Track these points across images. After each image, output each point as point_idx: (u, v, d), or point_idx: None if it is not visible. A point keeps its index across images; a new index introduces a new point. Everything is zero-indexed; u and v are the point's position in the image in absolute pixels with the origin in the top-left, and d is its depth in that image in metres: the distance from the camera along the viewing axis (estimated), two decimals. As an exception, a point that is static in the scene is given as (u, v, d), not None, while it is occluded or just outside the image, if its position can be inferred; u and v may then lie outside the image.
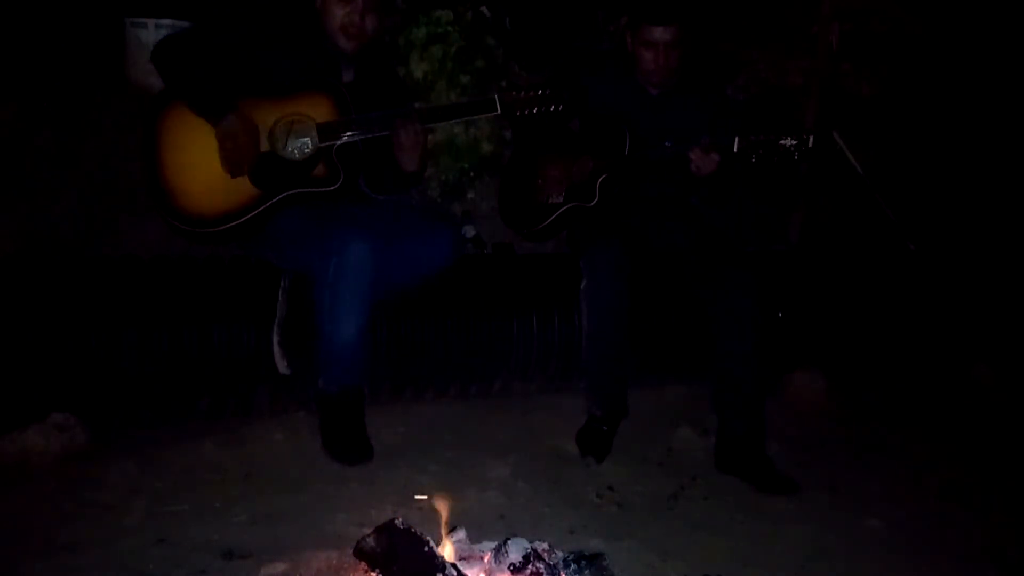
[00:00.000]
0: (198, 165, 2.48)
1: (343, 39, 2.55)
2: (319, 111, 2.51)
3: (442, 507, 1.82)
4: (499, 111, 2.59)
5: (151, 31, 3.56)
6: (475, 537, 1.83)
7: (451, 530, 1.80)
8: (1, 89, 3.37)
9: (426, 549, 1.65)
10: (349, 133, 2.51)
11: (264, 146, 2.49)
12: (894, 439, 2.99)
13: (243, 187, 2.49)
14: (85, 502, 2.20)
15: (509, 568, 1.66)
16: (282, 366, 2.63)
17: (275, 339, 2.62)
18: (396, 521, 1.68)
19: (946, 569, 2.24)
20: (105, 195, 3.29)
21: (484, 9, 3.75)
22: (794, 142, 2.59)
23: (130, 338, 2.53)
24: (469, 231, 3.41)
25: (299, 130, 2.49)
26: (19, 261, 2.71)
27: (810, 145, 2.59)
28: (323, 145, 2.50)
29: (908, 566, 2.22)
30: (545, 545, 1.72)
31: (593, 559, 1.76)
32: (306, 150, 2.50)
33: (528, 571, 1.65)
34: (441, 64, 3.65)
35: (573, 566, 1.73)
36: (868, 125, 4.13)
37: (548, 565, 1.67)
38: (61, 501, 2.20)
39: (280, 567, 1.86)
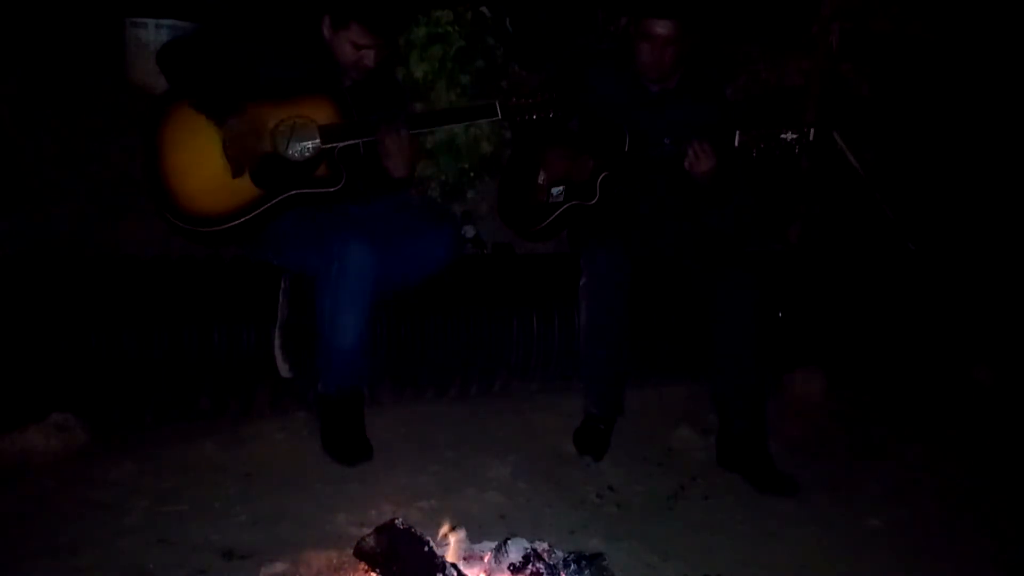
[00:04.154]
0: (200, 165, 2.49)
1: (353, 72, 2.57)
2: (321, 114, 2.51)
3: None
4: (500, 116, 2.61)
5: (151, 31, 3.56)
6: (475, 537, 1.83)
7: (451, 530, 1.80)
8: (1, 89, 3.37)
9: (426, 549, 1.65)
10: (351, 135, 2.52)
11: (267, 147, 2.49)
12: (894, 439, 2.99)
13: (245, 187, 2.49)
14: (85, 502, 2.20)
15: (509, 568, 1.66)
16: (283, 368, 2.63)
17: (276, 341, 2.62)
18: (396, 521, 1.68)
19: (946, 569, 2.24)
20: (105, 195, 3.29)
21: (484, 9, 3.75)
22: (795, 136, 2.59)
23: (130, 338, 2.53)
24: (469, 231, 3.41)
25: (301, 132, 2.50)
26: (19, 261, 2.71)
27: (811, 138, 2.59)
28: (325, 147, 2.50)
29: (908, 566, 2.23)
30: (545, 545, 1.72)
31: (593, 559, 1.76)
32: (307, 152, 2.51)
33: (528, 571, 1.65)
34: (441, 64, 3.64)
35: (573, 566, 1.73)
36: (868, 125, 4.13)
37: (548, 565, 1.67)
38: (61, 501, 2.20)
39: (280, 567, 1.86)
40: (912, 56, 4.17)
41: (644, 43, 2.75)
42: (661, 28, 2.71)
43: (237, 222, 2.49)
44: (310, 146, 2.51)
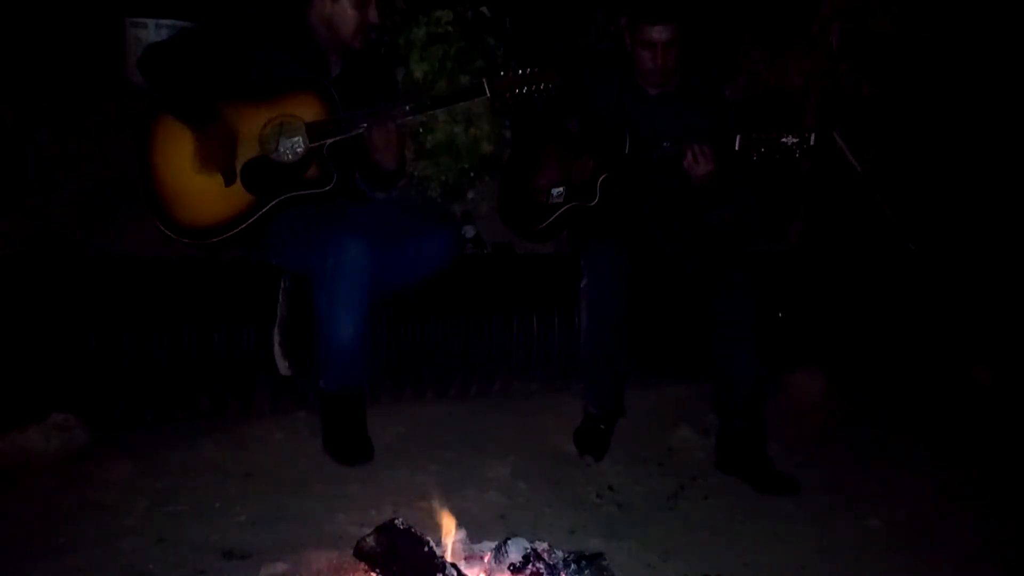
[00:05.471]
0: (191, 175, 2.49)
1: (357, 40, 2.55)
2: (308, 111, 2.50)
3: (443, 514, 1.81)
4: (488, 95, 2.57)
5: (151, 31, 3.56)
6: (475, 537, 1.83)
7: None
8: (1, 89, 3.36)
9: (426, 549, 1.65)
10: (338, 132, 2.50)
11: (255, 150, 2.49)
12: (894, 439, 2.99)
13: (237, 194, 2.49)
14: (85, 502, 2.20)
15: (509, 568, 1.66)
16: (283, 367, 2.63)
17: (276, 340, 2.62)
18: (396, 521, 1.68)
19: (946, 569, 2.24)
20: (105, 195, 3.29)
21: (484, 9, 3.75)
22: (795, 140, 2.58)
23: (130, 338, 2.53)
24: (469, 231, 3.41)
25: (289, 131, 2.49)
26: (19, 261, 2.71)
27: (812, 143, 2.59)
28: (314, 145, 2.50)
29: (908, 566, 2.23)
30: (545, 545, 1.72)
31: (593, 559, 1.76)
32: (298, 149, 2.50)
33: (528, 571, 1.65)
34: (441, 64, 3.64)
35: (573, 566, 1.72)
36: (868, 125, 4.12)
37: (548, 565, 1.67)
38: (61, 501, 2.21)
39: (280, 567, 1.86)
40: (912, 56, 4.17)
41: (644, 50, 2.74)
42: (659, 34, 2.70)
43: (233, 232, 2.49)
44: (300, 144, 2.50)
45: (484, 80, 2.58)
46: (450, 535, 1.74)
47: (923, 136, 4.19)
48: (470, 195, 3.75)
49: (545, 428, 2.79)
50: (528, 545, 1.68)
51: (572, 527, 2.23)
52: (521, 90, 2.55)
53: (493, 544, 1.74)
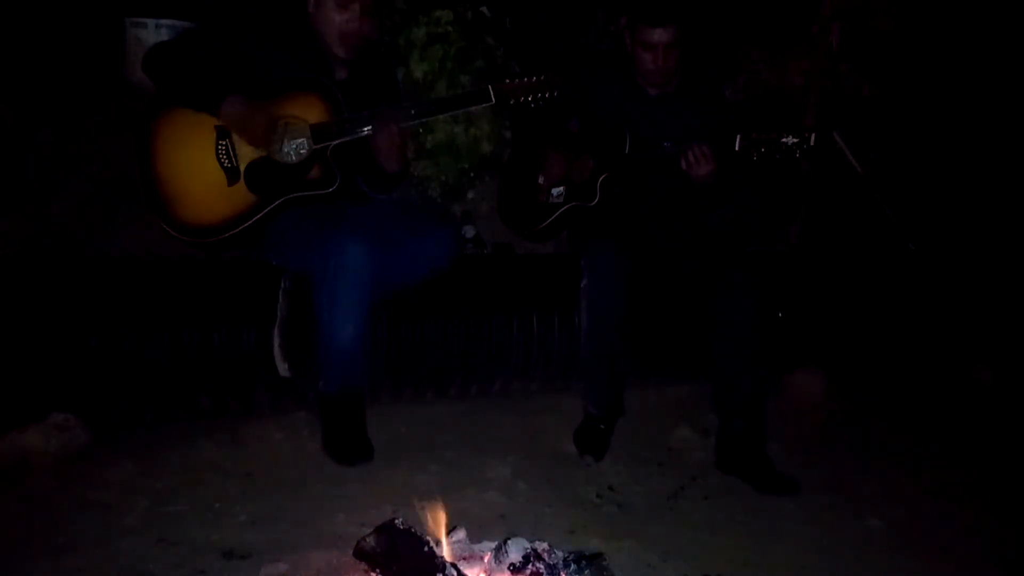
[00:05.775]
0: (194, 174, 2.49)
1: (340, 46, 2.54)
2: (312, 112, 2.50)
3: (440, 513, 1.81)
4: (493, 101, 2.57)
5: (151, 31, 3.56)
6: (475, 537, 1.83)
7: (451, 530, 1.79)
8: (1, 89, 3.37)
9: (426, 549, 1.65)
10: (342, 134, 2.50)
11: (259, 151, 2.49)
12: (894, 439, 3.00)
13: (240, 194, 2.49)
14: (85, 502, 2.20)
15: (509, 568, 1.66)
16: (283, 368, 2.63)
17: (276, 341, 2.62)
18: (396, 521, 1.68)
19: (946, 569, 2.24)
20: (105, 195, 3.29)
21: (484, 9, 3.75)
22: (796, 140, 2.59)
23: (130, 338, 2.53)
24: (469, 231, 3.41)
25: (294, 132, 2.49)
26: (19, 261, 2.71)
27: (812, 143, 2.59)
28: (318, 147, 2.50)
29: (908, 566, 2.22)
30: (545, 545, 1.71)
31: (593, 559, 1.76)
32: (302, 151, 2.50)
33: (528, 571, 1.65)
34: (441, 64, 3.64)
35: (573, 566, 1.72)
36: (868, 125, 4.13)
37: (548, 565, 1.67)
38: (61, 501, 2.20)
39: (280, 567, 1.86)
40: (912, 56, 4.17)
41: (644, 51, 2.74)
42: (659, 36, 2.71)
43: (234, 231, 2.49)
44: (304, 145, 2.50)
45: (489, 86, 2.58)
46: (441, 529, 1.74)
47: (923, 136, 4.19)
48: (470, 195, 3.75)
49: (545, 428, 2.79)
50: (528, 545, 1.68)
51: (572, 527, 2.23)
52: (526, 97, 2.56)
53: (493, 544, 1.74)
